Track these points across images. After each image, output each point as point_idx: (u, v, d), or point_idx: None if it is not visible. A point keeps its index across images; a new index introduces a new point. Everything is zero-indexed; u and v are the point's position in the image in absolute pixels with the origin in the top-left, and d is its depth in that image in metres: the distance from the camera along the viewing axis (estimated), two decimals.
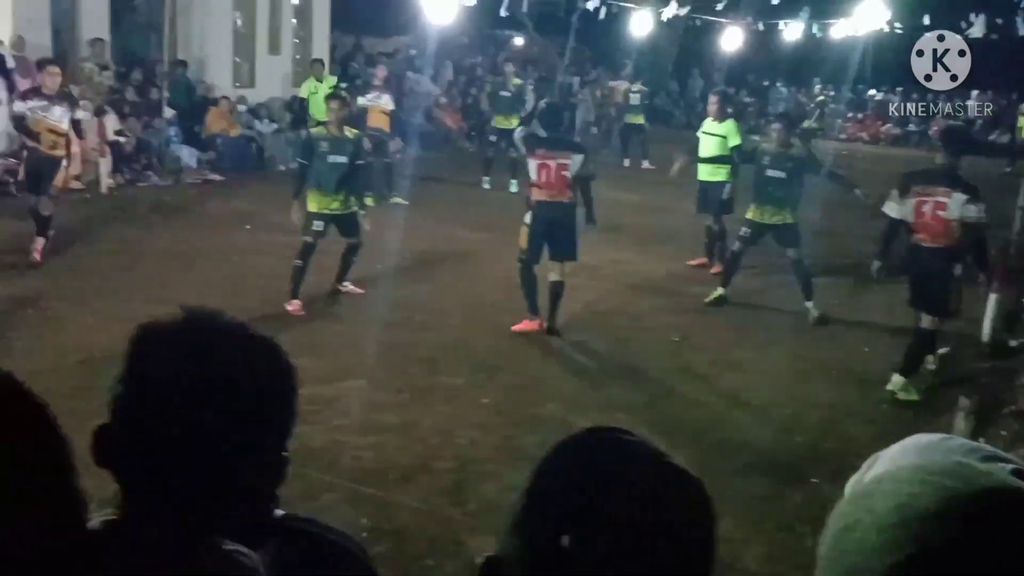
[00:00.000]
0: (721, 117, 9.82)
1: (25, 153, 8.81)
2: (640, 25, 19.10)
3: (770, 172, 8.22)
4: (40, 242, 8.56)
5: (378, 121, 12.30)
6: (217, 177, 13.41)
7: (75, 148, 11.62)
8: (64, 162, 9.05)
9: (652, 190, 14.15)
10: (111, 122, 12.48)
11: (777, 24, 21.70)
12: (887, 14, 19.62)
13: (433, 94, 18.08)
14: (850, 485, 1.03)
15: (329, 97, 8.19)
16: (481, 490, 4.99)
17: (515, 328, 7.50)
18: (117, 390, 1.18)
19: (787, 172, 8.18)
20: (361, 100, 12.49)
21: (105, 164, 12.00)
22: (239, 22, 15.83)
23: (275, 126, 15.24)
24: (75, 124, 9.18)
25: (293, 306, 7.62)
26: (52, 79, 8.67)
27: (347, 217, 7.89)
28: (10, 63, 12.27)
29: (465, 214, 11.81)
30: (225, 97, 14.51)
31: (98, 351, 6.49)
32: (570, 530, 0.98)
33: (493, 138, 14.08)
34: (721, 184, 9.61)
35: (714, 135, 9.73)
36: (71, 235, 9.53)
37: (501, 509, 5.16)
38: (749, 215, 8.45)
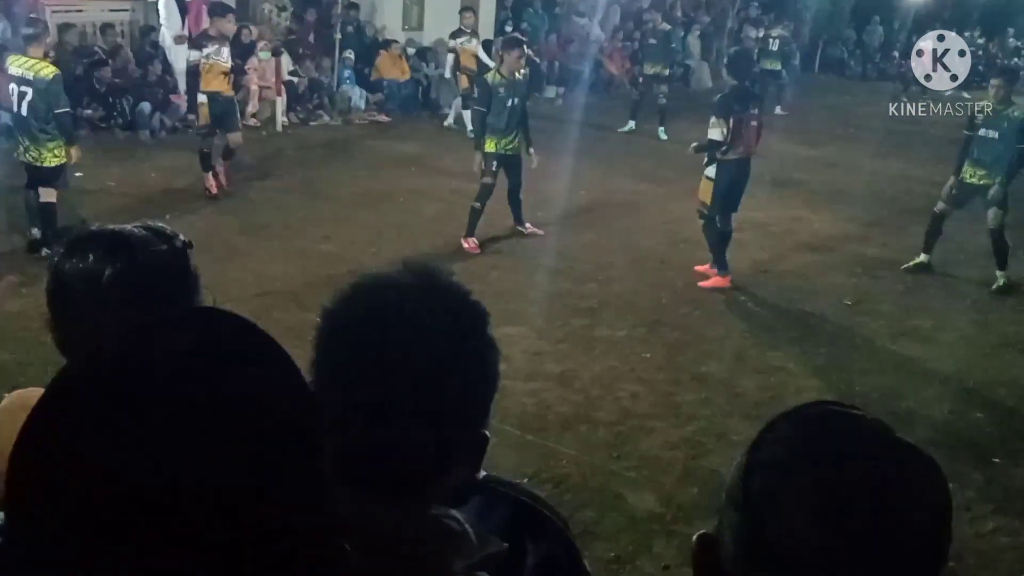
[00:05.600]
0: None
1: (205, 98, 8.98)
2: None
3: (983, 132, 7.64)
4: (216, 175, 9.11)
5: None
6: (384, 118, 13.68)
7: (253, 86, 12.14)
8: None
9: (828, 145, 13.51)
10: (286, 62, 12.90)
11: None
12: None
13: (600, 40, 17.78)
14: None
15: (508, 44, 8.26)
16: (641, 446, 4.94)
17: (704, 284, 7.35)
18: (319, 335, 1.13)
19: (1001, 133, 7.54)
20: None
21: (280, 103, 12.44)
22: None
23: (441, 71, 15.35)
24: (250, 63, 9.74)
25: (470, 244, 7.89)
26: (229, 26, 9.15)
27: (517, 158, 8.12)
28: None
29: (626, 163, 11.59)
30: (395, 41, 14.71)
31: (274, 285, 6.79)
32: (801, 515, 0.91)
33: (640, 80, 14.47)
34: None
35: None
36: (249, 171, 9.95)
37: (661, 465, 5.08)
38: (962, 176, 7.82)
